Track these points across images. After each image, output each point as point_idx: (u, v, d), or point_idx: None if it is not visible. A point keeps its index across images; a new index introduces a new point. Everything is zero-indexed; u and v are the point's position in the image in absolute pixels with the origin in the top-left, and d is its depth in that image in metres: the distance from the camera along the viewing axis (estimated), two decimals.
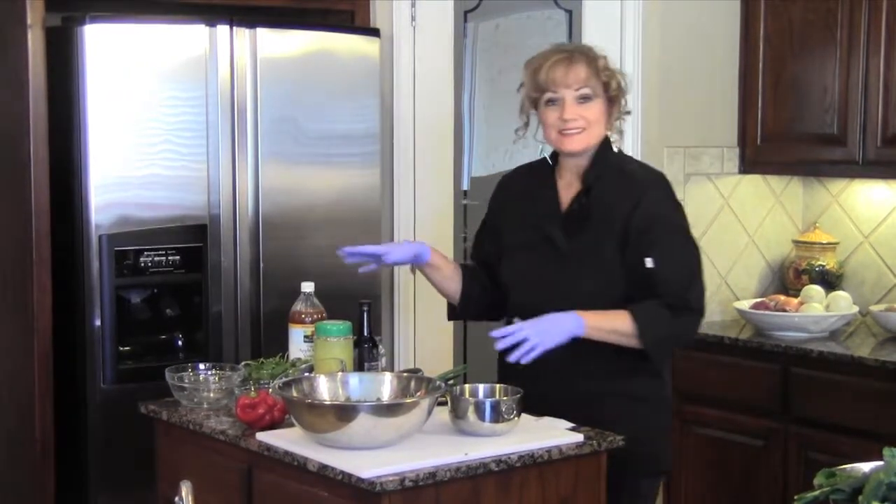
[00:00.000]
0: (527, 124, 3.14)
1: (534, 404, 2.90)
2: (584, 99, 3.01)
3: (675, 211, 3.08)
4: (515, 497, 2.67)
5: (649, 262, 2.95)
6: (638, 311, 2.93)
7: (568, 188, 3.09)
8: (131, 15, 3.69)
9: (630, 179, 3.05)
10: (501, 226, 3.19)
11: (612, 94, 3.04)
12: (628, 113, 3.13)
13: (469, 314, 3.35)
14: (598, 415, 2.93)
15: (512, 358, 2.87)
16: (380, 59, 4.09)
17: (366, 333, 3.16)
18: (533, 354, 2.87)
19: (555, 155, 3.15)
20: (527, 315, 2.95)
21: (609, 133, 3.09)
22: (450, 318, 3.36)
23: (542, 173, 3.14)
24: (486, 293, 3.23)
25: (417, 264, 3.21)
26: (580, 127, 3.01)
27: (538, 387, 2.96)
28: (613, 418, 2.95)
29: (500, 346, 2.88)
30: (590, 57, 3.04)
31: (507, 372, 3.07)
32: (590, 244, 3.00)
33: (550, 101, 3.03)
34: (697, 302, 3.01)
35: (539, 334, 2.86)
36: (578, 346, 2.93)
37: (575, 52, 3.06)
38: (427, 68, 4.39)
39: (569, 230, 3.03)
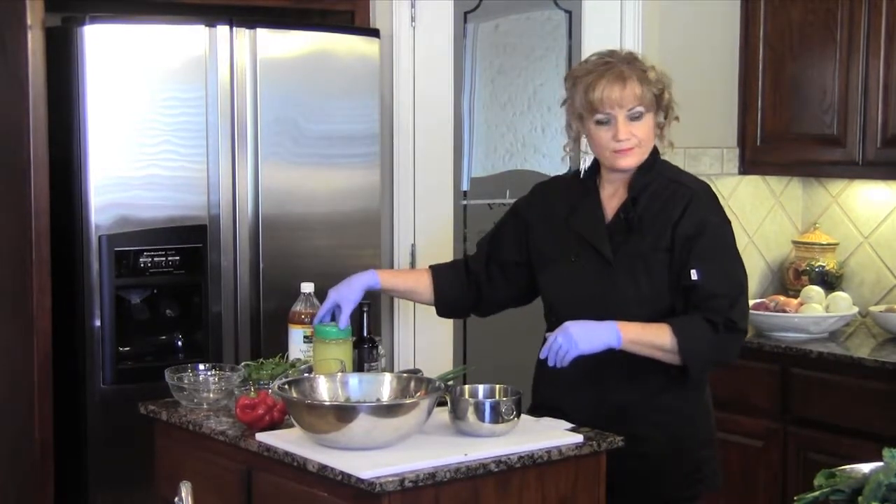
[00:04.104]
0: (577, 140, 3.06)
1: (566, 417, 2.92)
2: (636, 117, 2.94)
3: (724, 222, 2.99)
4: (515, 497, 2.67)
5: (694, 275, 2.87)
6: (679, 327, 2.85)
7: (611, 199, 3.02)
8: (131, 15, 3.69)
9: (679, 186, 2.97)
10: (533, 232, 3.14)
11: (665, 105, 2.98)
12: (676, 118, 3.05)
13: (451, 314, 3.38)
14: (632, 430, 2.88)
15: (549, 363, 2.86)
16: (380, 60, 4.09)
17: (365, 334, 3.16)
18: (567, 359, 2.84)
19: (592, 168, 3.10)
20: None
21: (661, 143, 3.02)
22: (439, 314, 3.35)
23: (582, 185, 3.06)
24: (468, 289, 3.21)
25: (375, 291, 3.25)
26: (633, 145, 2.95)
27: (570, 400, 2.98)
28: (648, 434, 2.92)
29: (542, 354, 2.88)
30: (641, 71, 2.95)
31: (540, 385, 3.10)
32: (637, 253, 2.93)
33: (600, 122, 2.95)
34: (742, 321, 2.91)
35: (569, 340, 2.82)
36: (610, 357, 2.89)
37: (626, 67, 2.94)
38: (427, 68, 4.39)
39: (615, 241, 2.97)
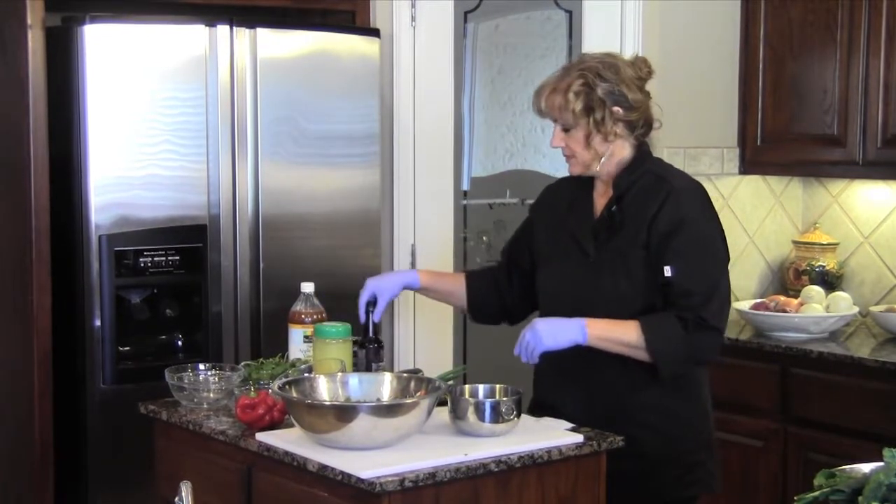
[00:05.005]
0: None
1: (565, 417, 2.92)
2: (565, 129, 2.97)
3: (705, 219, 2.95)
4: (515, 497, 2.67)
5: (668, 271, 2.87)
6: (648, 324, 2.86)
7: (602, 197, 3.03)
8: (131, 15, 3.69)
9: (661, 184, 2.95)
10: (536, 232, 3.16)
11: (596, 118, 2.92)
12: (647, 126, 2.99)
13: (483, 320, 3.37)
14: (630, 430, 2.88)
15: (523, 359, 2.91)
16: (380, 60, 4.09)
17: (371, 334, 3.15)
18: (535, 354, 2.88)
19: None
20: None
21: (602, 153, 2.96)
22: (472, 320, 3.39)
23: (583, 183, 3.07)
24: (497, 297, 3.24)
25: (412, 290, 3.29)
26: (567, 154, 3.00)
27: (569, 400, 2.99)
28: (645, 434, 2.92)
29: (515, 350, 2.92)
30: (564, 86, 2.93)
31: (539, 385, 3.11)
32: (618, 251, 2.94)
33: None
34: (714, 319, 2.87)
35: (535, 336, 2.87)
36: (603, 357, 2.90)
37: (560, 79, 2.96)
38: (427, 68, 4.39)
39: (599, 238, 2.98)
